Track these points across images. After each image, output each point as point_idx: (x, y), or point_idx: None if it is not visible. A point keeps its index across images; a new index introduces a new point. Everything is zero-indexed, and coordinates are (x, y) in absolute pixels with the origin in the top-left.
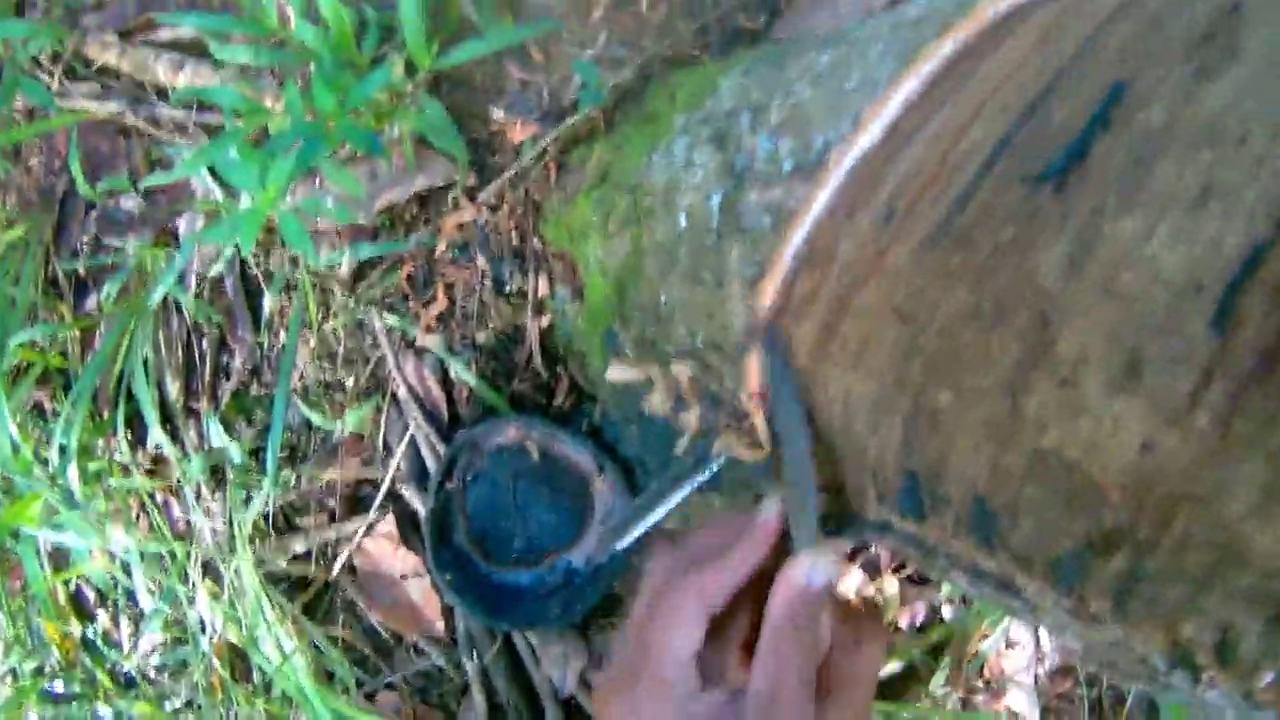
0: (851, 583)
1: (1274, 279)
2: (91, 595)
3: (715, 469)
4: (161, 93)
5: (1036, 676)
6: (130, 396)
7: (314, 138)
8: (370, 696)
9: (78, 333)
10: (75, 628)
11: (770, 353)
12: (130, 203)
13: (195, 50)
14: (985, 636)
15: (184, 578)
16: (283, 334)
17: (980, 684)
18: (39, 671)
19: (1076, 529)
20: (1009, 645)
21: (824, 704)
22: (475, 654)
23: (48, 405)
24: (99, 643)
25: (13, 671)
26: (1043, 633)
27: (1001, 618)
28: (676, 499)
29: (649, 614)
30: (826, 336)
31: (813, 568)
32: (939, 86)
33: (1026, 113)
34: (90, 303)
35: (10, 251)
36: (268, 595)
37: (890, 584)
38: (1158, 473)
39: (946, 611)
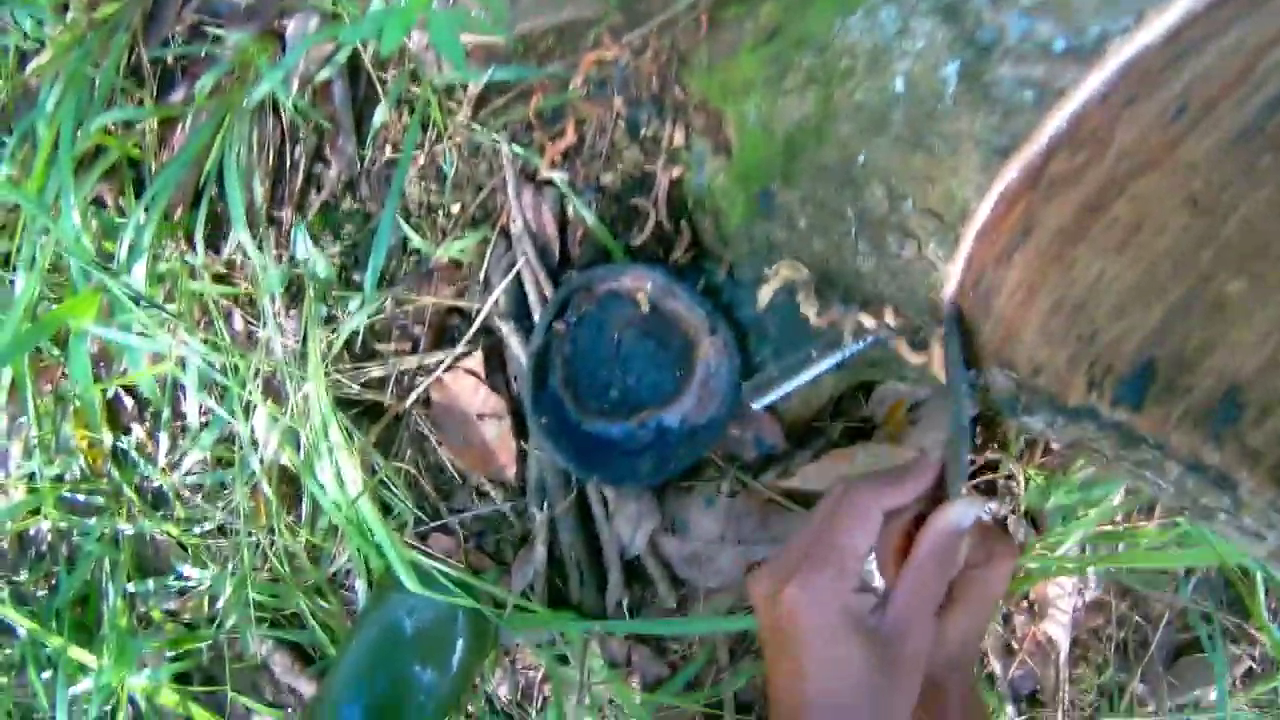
0: None
1: None
2: (129, 406)
3: (864, 347)
4: None
5: (1075, 607)
6: (206, 199)
7: None
8: (423, 537)
9: (155, 125)
10: (106, 437)
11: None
12: None
13: None
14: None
15: (243, 394)
16: (388, 149)
17: (1026, 604)
18: (59, 479)
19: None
20: (1058, 571)
21: (951, 609)
22: (545, 504)
23: (108, 199)
24: (133, 454)
25: (31, 475)
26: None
27: (1065, 539)
28: (825, 366)
29: (833, 512)
30: (1089, 217)
31: (964, 513)
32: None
33: None
34: (175, 95)
35: (92, 32)
36: (336, 419)
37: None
38: None
39: (1014, 523)
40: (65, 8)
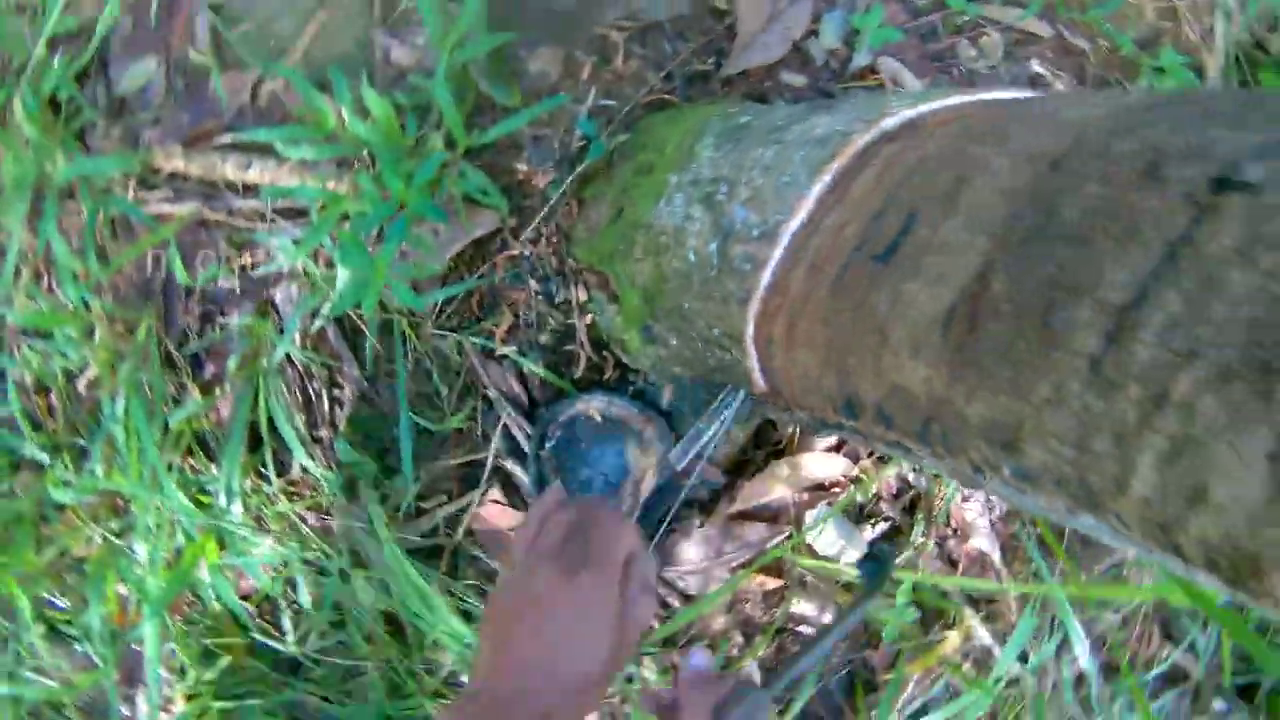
0: (838, 467)
1: (988, 297)
2: (250, 609)
3: (735, 408)
4: (231, 188)
5: (991, 522)
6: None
7: (395, 216)
8: None
9: (198, 395)
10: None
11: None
12: (226, 283)
13: (253, 149)
14: (942, 496)
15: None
16: (382, 365)
17: (950, 531)
18: (212, 682)
19: (907, 421)
20: (965, 499)
21: None
22: None
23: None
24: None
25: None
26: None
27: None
28: (721, 427)
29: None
30: (788, 332)
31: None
32: (833, 193)
33: (874, 219)
34: (208, 373)
35: (128, 346)
36: (411, 565)
37: (866, 464)
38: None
39: (913, 479)
40: (92, 331)
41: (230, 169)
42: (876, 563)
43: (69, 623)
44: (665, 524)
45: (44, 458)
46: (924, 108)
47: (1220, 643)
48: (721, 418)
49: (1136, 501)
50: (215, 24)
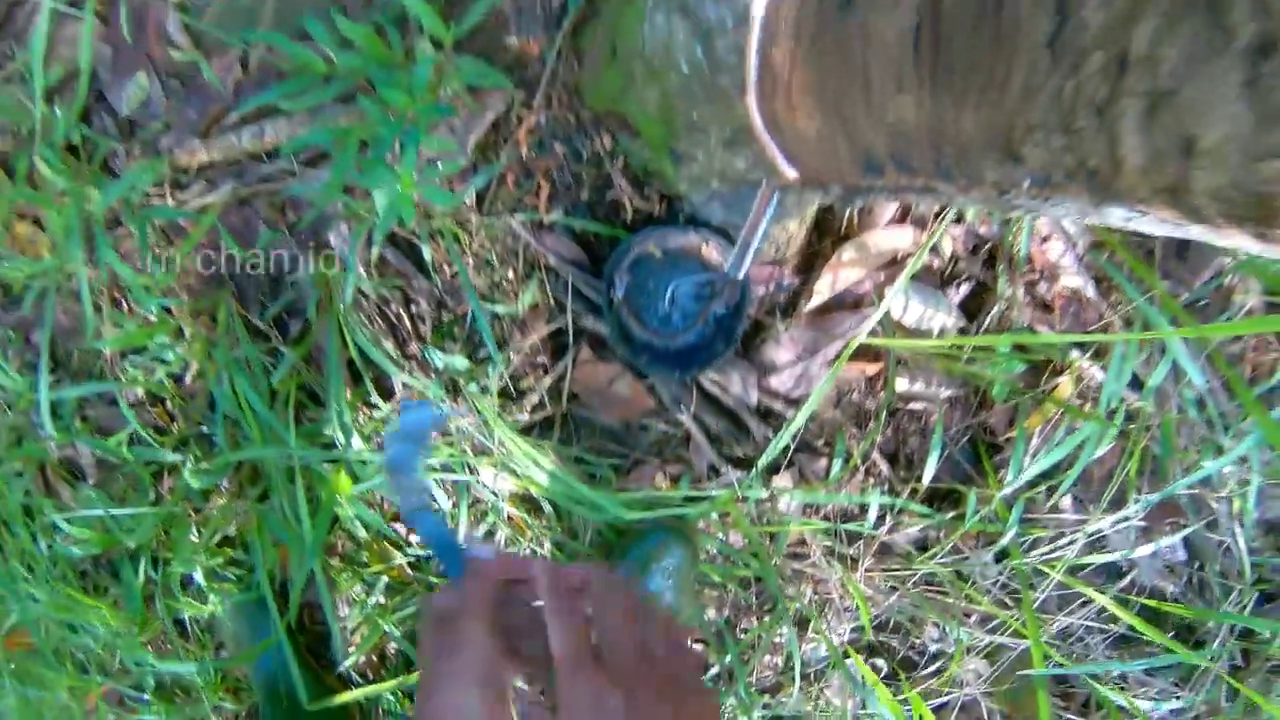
0: (906, 237)
1: (943, 9)
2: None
3: (776, 195)
4: (255, 158)
5: (1078, 256)
6: (359, 374)
7: (408, 128)
8: (627, 473)
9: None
10: (398, 556)
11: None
12: (281, 246)
13: (262, 116)
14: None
15: (467, 469)
16: (447, 269)
17: (1037, 276)
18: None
19: (922, 161)
20: (1044, 240)
21: None
22: (683, 408)
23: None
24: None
25: (362, 607)
26: (1066, 223)
27: (1019, 222)
28: (764, 225)
29: None
30: (788, 106)
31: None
32: None
33: None
34: (295, 330)
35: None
36: (529, 444)
37: (939, 228)
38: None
39: (984, 231)
40: (180, 331)
41: (247, 142)
42: None
43: (248, 588)
44: (750, 336)
45: (176, 457)
46: None
47: None
48: (769, 212)
49: (1135, 172)
50: (184, 20)
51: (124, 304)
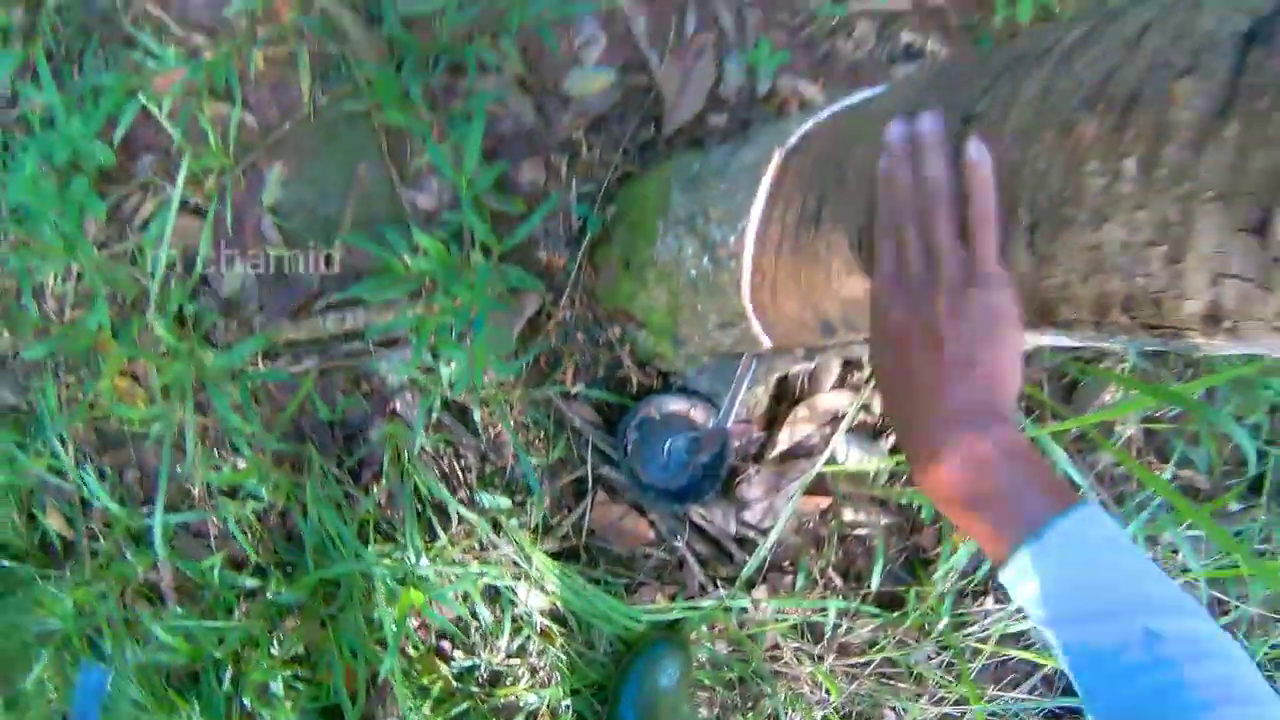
0: (844, 398)
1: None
2: (445, 644)
3: (753, 364)
4: (335, 339)
5: None
6: (422, 510)
7: (472, 317)
8: (634, 592)
9: (364, 495)
10: (444, 667)
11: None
12: (357, 410)
13: (344, 305)
14: None
15: (507, 585)
16: (490, 429)
17: None
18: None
19: (864, 321)
20: None
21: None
22: (678, 537)
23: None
24: (461, 662)
25: (417, 712)
26: None
27: None
28: (745, 386)
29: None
30: (773, 294)
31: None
32: (769, 197)
33: (801, 204)
34: (367, 477)
35: (295, 479)
36: (559, 568)
37: (868, 391)
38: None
39: None
40: (267, 475)
41: (331, 325)
42: None
43: (314, 698)
44: (726, 478)
45: (255, 582)
46: (809, 124)
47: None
48: (746, 379)
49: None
50: (277, 222)
51: (217, 450)
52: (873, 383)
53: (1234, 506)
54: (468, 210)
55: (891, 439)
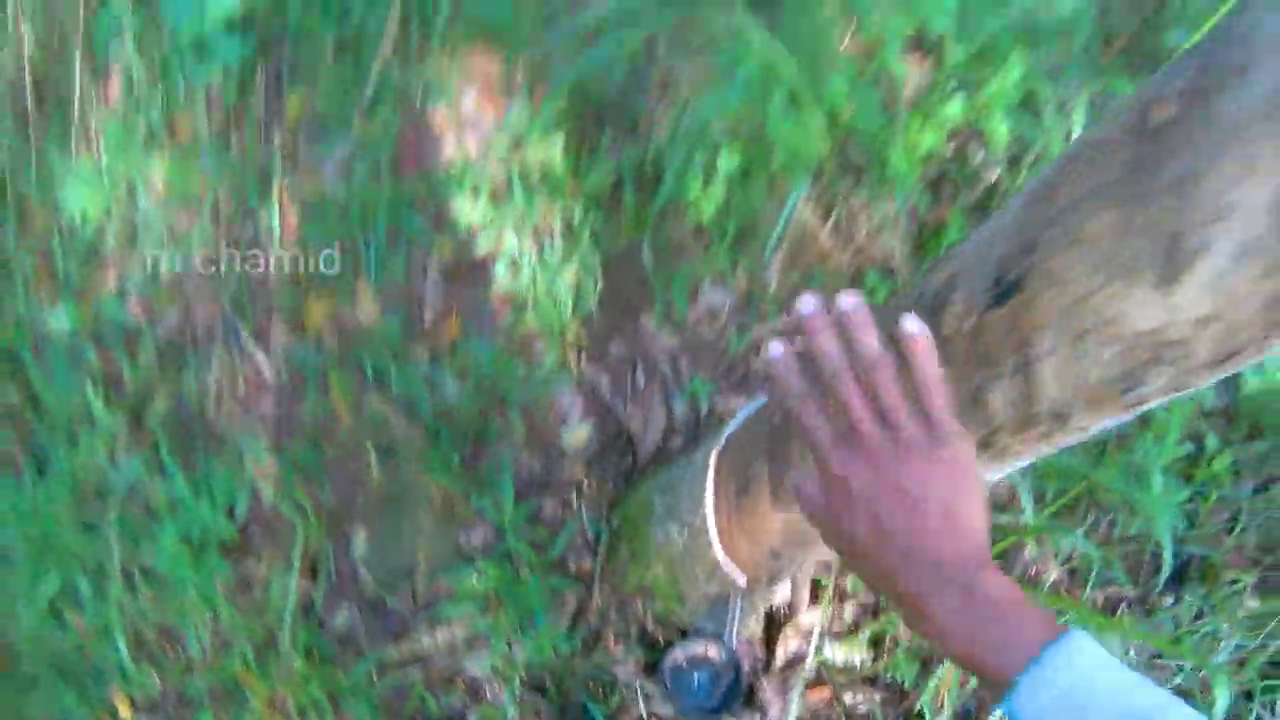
0: (816, 615)
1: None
2: None
3: (738, 599)
4: (430, 652)
5: None
6: None
7: (535, 617)
8: None
9: None
10: None
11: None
12: (456, 701)
13: (435, 622)
14: None
15: None
16: (563, 696)
17: None
18: None
19: (795, 549)
20: None
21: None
22: None
23: None
24: None
25: None
26: None
27: None
28: (738, 617)
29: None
30: (732, 542)
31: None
32: (716, 485)
33: (740, 481)
34: None
35: None
36: None
37: (843, 607)
38: None
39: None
40: None
41: (426, 641)
42: None
43: None
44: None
45: None
46: (729, 430)
47: None
48: (737, 612)
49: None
50: (370, 573)
51: None
52: (831, 590)
53: (1169, 601)
54: (512, 539)
55: (868, 631)
